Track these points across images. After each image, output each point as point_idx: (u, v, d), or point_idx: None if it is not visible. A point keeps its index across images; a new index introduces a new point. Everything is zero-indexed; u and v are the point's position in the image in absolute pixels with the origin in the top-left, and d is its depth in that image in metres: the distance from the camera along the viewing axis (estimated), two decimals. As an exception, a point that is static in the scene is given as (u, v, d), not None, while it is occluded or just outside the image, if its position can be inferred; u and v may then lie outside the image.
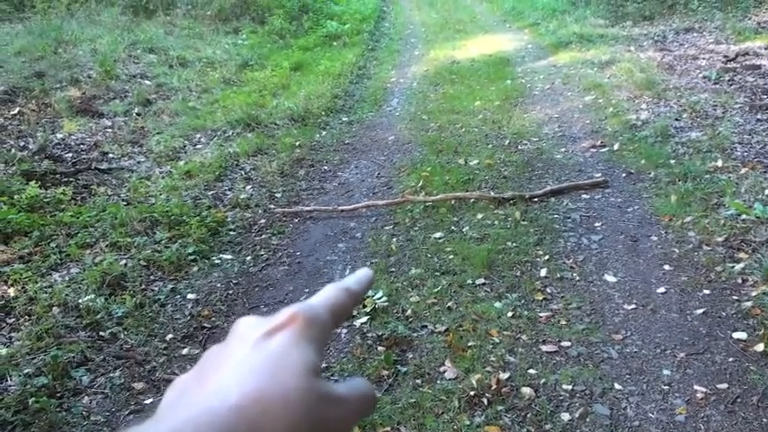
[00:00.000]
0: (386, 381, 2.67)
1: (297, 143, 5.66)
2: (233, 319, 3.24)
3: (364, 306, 3.09)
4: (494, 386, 2.55)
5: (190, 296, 3.42)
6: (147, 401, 2.68)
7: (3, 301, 3.31)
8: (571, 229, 3.82)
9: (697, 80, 6.37)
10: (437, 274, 3.45)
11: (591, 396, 2.51)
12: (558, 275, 3.34)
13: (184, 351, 2.99)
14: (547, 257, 3.51)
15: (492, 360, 2.74)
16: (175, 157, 5.38)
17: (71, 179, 4.82)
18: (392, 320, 3.04)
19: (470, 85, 7.37)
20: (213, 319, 3.24)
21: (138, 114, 6.46)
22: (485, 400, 2.50)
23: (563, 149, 5.11)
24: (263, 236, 4.08)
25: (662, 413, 2.39)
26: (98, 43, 8.61)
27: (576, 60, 7.88)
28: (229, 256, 3.83)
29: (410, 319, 3.08)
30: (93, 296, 3.29)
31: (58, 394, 2.69)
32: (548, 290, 3.23)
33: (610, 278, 3.28)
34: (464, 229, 3.91)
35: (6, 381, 2.74)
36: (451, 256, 3.60)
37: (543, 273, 3.37)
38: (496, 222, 3.95)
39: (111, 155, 5.40)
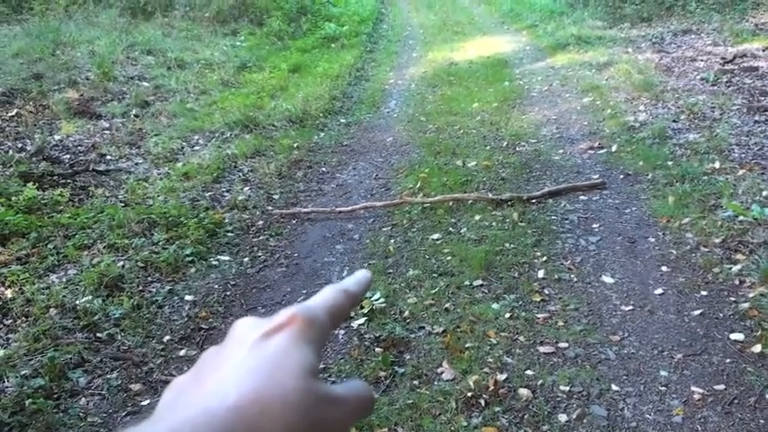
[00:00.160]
0: (383, 382, 2.67)
1: (295, 145, 5.66)
2: (230, 321, 3.24)
3: (362, 307, 3.09)
4: (491, 387, 2.55)
5: (187, 297, 3.42)
6: (145, 403, 2.68)
7: (0, 303, 3.30)
8: (569, 231, 3.83)
9: (695, 82, 6.39)
10: (435, 275, 3.45)
11: (588, 397, 2.51)
12: (556, 277, 3.34)
13: (182, 352, 2.99)
14: (544, 259, 3.52)
15: (489, 361, 2.74)
16: (173, 159, 5.38)
17: (69, 181, 4.81)
18: (390, 322, 3.04)
19: (468, 87, 7.38)
20: (211, 320, 3.24)
21: (136, 116, 6.45)
22: (482, 402, 2.50)
23: (561, 151, 5.12)
24: (261, 237, 4.08)
25: (659, 414, 2.40)
26: (96, 45, 8.60)
27: (573, 62, 7.89)
28: (227, 258, 3.82)
29: (408, 321, 3.08)
30: (90, 297, 3.29)
31: (55, 395, 2.69)
32: (545, 291, 3.24)
33: (607, 279, 3.29)
34: (462, 231, 3.91)
35: (3, 382, 2.74)
36: (449, 258, 3.60)
37: (541, 274, 3.38)
38: (494, 224, 3.95)
39: (108, 156, 5.39)
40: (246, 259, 3.81)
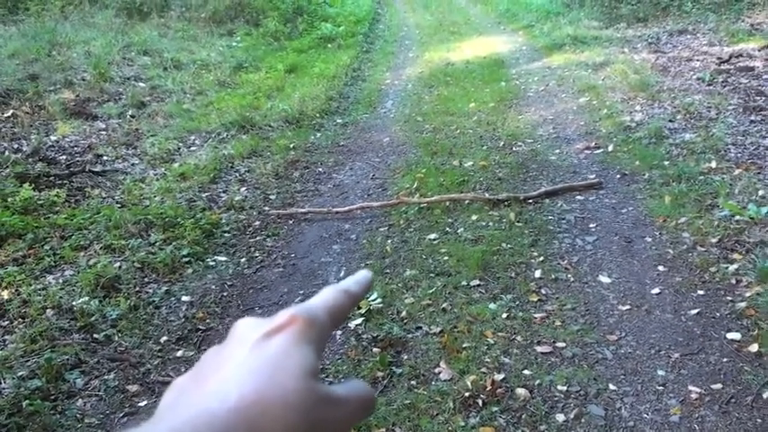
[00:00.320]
0: (381, 382, 2.67)
1: (291, 145, 5.66)
2: (228, 322, 3.25)
3: (359, 308, 3.09)
4: (488, 387, 2.55)
5: (184, 298, 3.41)
6: (142, 404, 2.67)
7: (-4, 304, 3.29)
8: (566, 231, 3.83)
9: (691, 82, 6.40)
10: (432, 275, 3.45)
11: (586, 397, 2.52)
12: (553, 276, 3.35)
13: (179, 353, 2.98)
14: (541, 259, 3.52)
15: (487, 361, 2.74)
16: (170, 160, 5.37)
17: (65, 181, 4.80)
18: (387, 322, 3.04)
19: (465, 87, 7.38)
20: (208, 321, 3.23)
21: (133, 117, 6.44)
22: (479, 402, 2.50)
23: (557, 151, 5.12)
24: (258, 238, 4.07)
25: (656, 413, 2.40)
26: (92, 46, 8.58)
27: (570, 62, 7.90)
28: (224, 258, 3.82)
29: (405, 321, 3.08)
30: (87, 298, 3.28)
31: (52, 397, 2.68)
32: (542, 291, 3.24)
33: (604, 279, 3.29)
34: (459, 231, 3.91)
35: (0, 384, 2.73)
36: (446, 258, 3.60)
37: (538, 274, 3.38)
38: (491, 224, 3.95)
39: (105, 157, 5.38)
40: (243, 260, 3.81)
